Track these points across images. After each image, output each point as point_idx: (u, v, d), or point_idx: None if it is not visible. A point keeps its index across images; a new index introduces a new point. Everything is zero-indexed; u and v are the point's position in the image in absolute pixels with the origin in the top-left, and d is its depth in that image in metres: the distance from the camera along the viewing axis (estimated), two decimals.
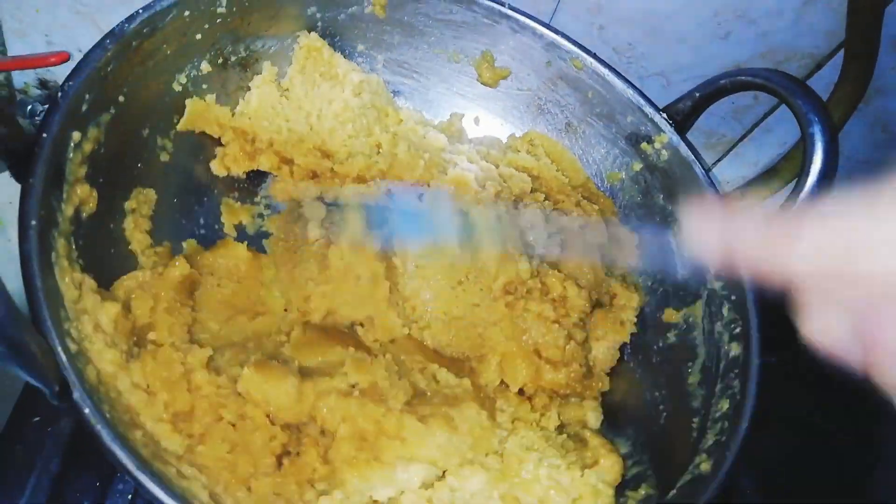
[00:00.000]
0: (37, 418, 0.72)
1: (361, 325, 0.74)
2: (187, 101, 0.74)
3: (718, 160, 1.10)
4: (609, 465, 0.67)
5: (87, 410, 0.47)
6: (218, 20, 0.73)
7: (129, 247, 0.68)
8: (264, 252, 0.79)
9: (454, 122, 0.90)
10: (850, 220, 0.33)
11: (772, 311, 1.13)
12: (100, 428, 0.47)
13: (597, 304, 0.80)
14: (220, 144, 0.78)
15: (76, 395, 0.47)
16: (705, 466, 0.61)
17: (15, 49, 1.00)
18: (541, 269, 0.76)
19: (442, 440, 0.63)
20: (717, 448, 0.62)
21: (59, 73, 0.98)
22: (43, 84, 1.03)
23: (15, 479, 0.69)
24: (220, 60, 0.77)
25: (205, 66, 0.75)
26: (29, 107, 0.98)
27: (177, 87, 0.73)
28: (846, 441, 1.04)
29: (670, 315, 0.80)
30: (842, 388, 1.16)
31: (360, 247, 0.72)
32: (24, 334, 0.43)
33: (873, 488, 0.93)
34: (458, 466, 0.64)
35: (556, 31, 0.83)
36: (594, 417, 0.74)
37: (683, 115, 0.81)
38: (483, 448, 0.66)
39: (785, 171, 1.02)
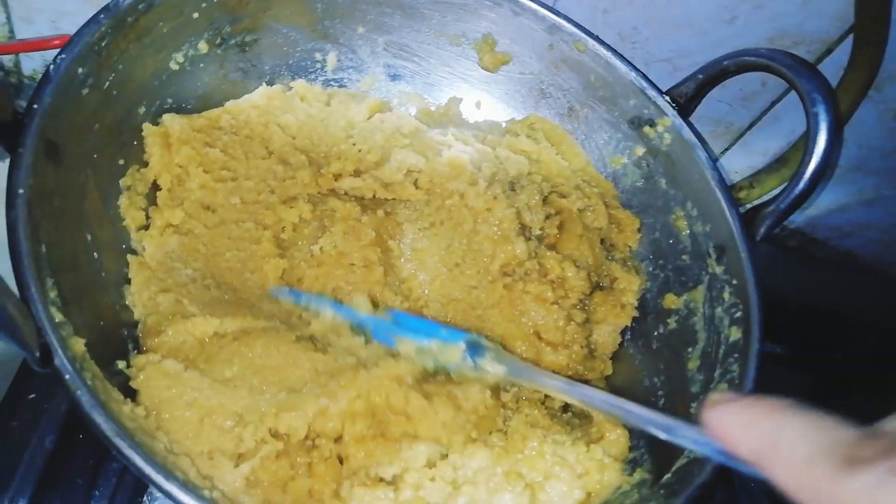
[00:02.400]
0: (33, 395, 0.72)
1: None
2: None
3: (726, 149, 1.08)
4: (615, 439, 0.67)
5: (67, 376, 0.47)
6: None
7: (123, 223, 0.68)
8: None
9: (451, 107, 0.89)
10: None
11: (780, 302, 1.13)
12: (80, 394, 0.46)
13: (597, 287, 0.78)
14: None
15: (57, 361, 0.47)
16: None
17: (22, 35, 1.01)
18: (538, 251, 0.75)
19: (446, 418, 0.62)
20: None
21: None
22: None
23: (9, 454, 0.69)
24: (217, 41, 0.76)
25: (202, 46, 0.75)
26: None
27: (174, 66, 0.73)
28: None
29: (671, 301, 0.78)
30: (846, 381, 1.14)
31: (354, 234, 0.72)
32: (2, 298, 0.43)
33: None
34: (461, 445, 0.63)
35: (558, 14, 0.82)
36: None
37: (687, 98, 0.80)
38: (487, 426, 0.66)
39: (794, 161, 1.00)
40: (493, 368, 0.63)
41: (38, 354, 0.46)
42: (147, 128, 0.71)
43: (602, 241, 0.82)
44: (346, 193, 0.75)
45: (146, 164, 0.72)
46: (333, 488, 0.57)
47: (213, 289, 0.67)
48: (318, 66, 0.86)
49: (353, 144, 0.76)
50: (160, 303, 0.63)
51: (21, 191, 0.52)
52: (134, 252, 0.68)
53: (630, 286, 0.79)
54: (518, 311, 0.73)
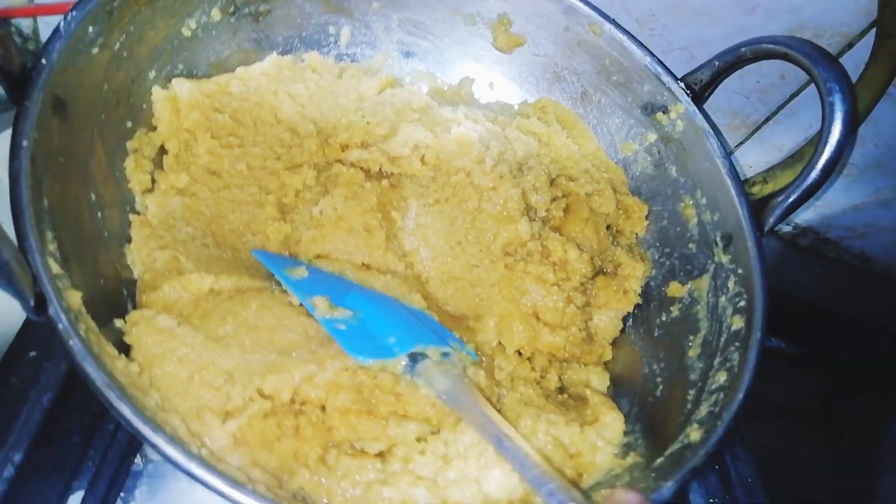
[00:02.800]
0: (33, 353, 0.72)
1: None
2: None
3: (741, 143, 1.06)
4: (609, 422, 0.66)
5: (60, 326, 0.47)
6: None
7: (128, 185, 0.68)
8: None
9: (464, 86, 0.88)
10: None
11: (790, 301, 1.11)
12: (72, 344, 0.47)
13: (600, 272, 0.78)
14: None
15: (51, 310, 0.47)
16: (695, 435, 0.59)
17: (41, 0, 1.01)
18: (542, 232, 0.74)
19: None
20: (710, 418, 0.60)
21: None
22: None
23: (7, 410, 0.69)
24: (231, 9, 0.76)
25: (215, 14, 0.75)
26: None
27: (186, 32, 0.73)
28: (853, 438, 1.02)
29: (675, 289, 0.78)
30: (854, 383, 1.13)
31: (355, 199, 0.71)
32: None
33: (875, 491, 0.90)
34: (452, 424, 0.63)
35: None
36: (598, 381, 0.73)
37: (701, 85, 0.79)
38: None
39: (810, 156, 0.98)
40: (425, 389, 0.63)
41: (32, 303, 0.46)
42: (157, 91, 0.71)
43: (609, 226, 0.81)
44: (352, 165, 0.74)
45: (154, 128, 0.72)
46: (319, 453, 0.57)
47: (212, 247, 0.67)
48: (332, 39, 0.86)
49: (362, 116, 0.75)
50: (157, 259, 0.63)
51: (25, 143, 0.52)
52: (138, 213, 0.68)
53: (634, 272, 0.78)
54: (518, 290, 0.72)
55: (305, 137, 0.74)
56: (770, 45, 0.72)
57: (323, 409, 0.60)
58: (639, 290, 0.78)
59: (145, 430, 0.46)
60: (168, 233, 0.66)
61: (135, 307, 0.64)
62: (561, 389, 0.72)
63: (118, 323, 0.59)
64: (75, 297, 0.52)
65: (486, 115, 0.84)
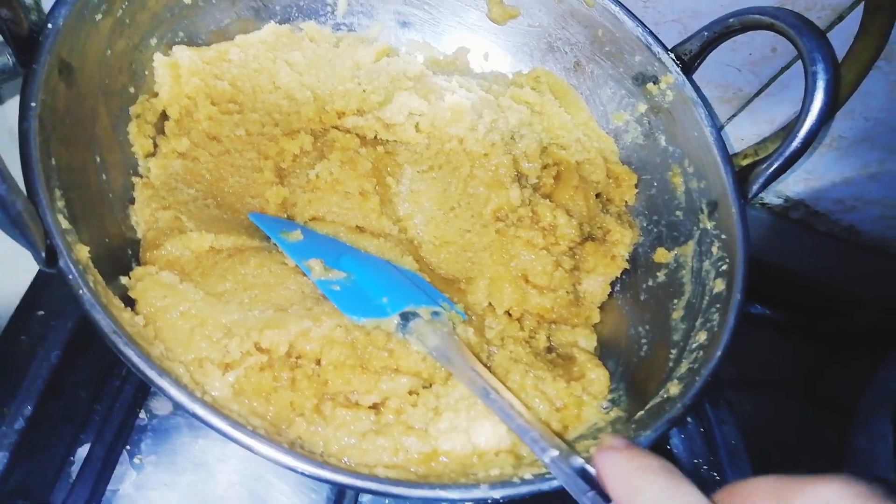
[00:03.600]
0: (41, 312, 0.75)
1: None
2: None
3: (733, 116, 1.08)
4: (595, 378, 0.69)
5: (70, 276, 0.49)
6: None
7: (132, 149, 0.70)
8: None
9: (459, 56, 0.90)
10: None
11: (777, 270, 1.13)
12: (82, 293, 0.49)
13: (589, 238, 0.80)
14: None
15: (61, 262, 0.50)
16: (674, 390, 0.62)
17: None
18: (532, 198, 0.77)
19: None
20: (689, 374, 0.63)
21: None
22: None
23: (16, 366, 0.72)
24: None
25: None
26: None
27: (187, 0, 0.75)
28: (836, 408, 1.05)
29: (662, 255, 0.80)
30: (839, 352, 1.15)
31: (351, 164, 0.74)
32: (12, 195, 0.45)
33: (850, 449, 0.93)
34: (444, 379, 0.65)
35: None
36: (586, 341, 0.75)
37: (690, 56, 0.81)
38: None
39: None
40: (416, 346, 0.65)
41: (43, 254, 0.49)
42: (158, 58, 0.73)
43: (598, 195, 0.84)
44: (348, 131, 0.76)
45: (156, 95, 0.74)
46: (315, 403, 0.59)
47: (213, 208, 0.69)
48: (329, 9, 0.87)
49: (359, 84, 0.77)
50: (160, 219, 0.66)
51: (33, 104, 0.54)
52: (141, 176, 0.71)
53: (622, 239, 0.80)
54: (508, 254, 0.75)
55: (303, 104, 0.76)
56: (756, 16, 0.73)
57: (318, 363, 0.62)
58: (626, 256, 0.81)
59: (152, 374, 0.48)
60: (170, 194, 0.68)
61: (139, 266, 0.66)
62: (550, 349, 0.75)
63: (123, 280, 0.62)
64: (83, 251, 0.54)
65: (481, 84, 0.86)
